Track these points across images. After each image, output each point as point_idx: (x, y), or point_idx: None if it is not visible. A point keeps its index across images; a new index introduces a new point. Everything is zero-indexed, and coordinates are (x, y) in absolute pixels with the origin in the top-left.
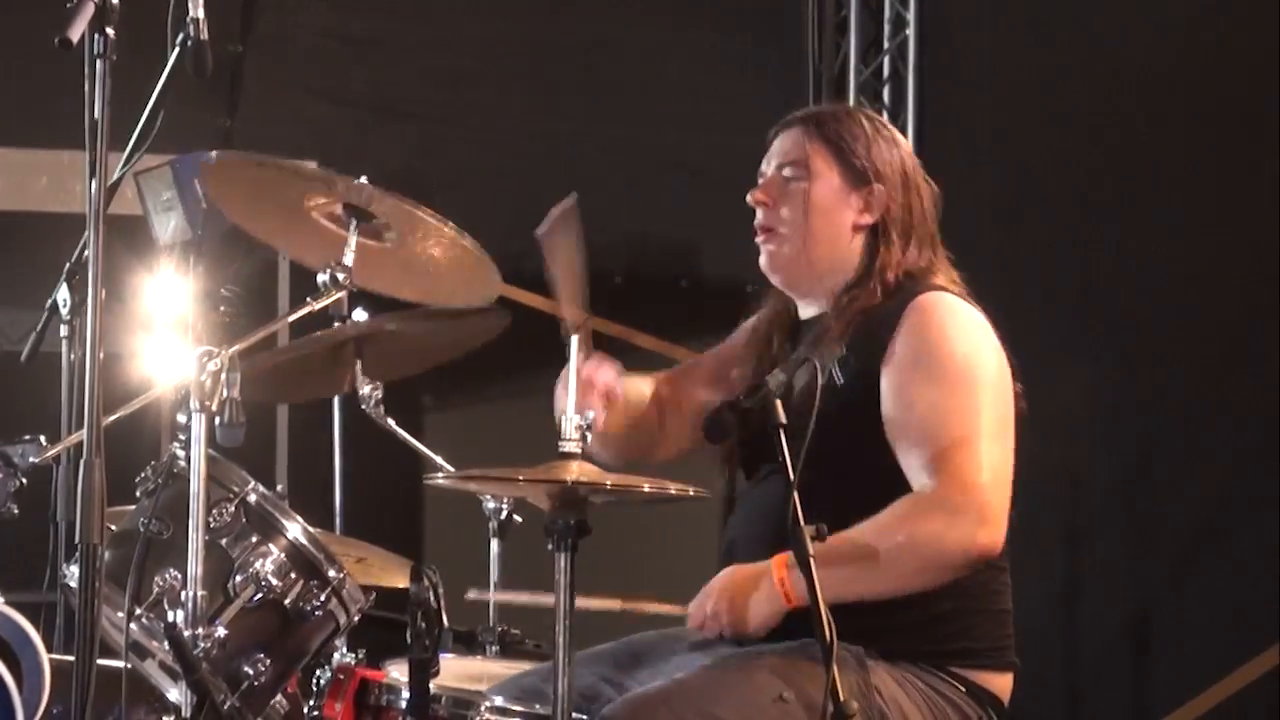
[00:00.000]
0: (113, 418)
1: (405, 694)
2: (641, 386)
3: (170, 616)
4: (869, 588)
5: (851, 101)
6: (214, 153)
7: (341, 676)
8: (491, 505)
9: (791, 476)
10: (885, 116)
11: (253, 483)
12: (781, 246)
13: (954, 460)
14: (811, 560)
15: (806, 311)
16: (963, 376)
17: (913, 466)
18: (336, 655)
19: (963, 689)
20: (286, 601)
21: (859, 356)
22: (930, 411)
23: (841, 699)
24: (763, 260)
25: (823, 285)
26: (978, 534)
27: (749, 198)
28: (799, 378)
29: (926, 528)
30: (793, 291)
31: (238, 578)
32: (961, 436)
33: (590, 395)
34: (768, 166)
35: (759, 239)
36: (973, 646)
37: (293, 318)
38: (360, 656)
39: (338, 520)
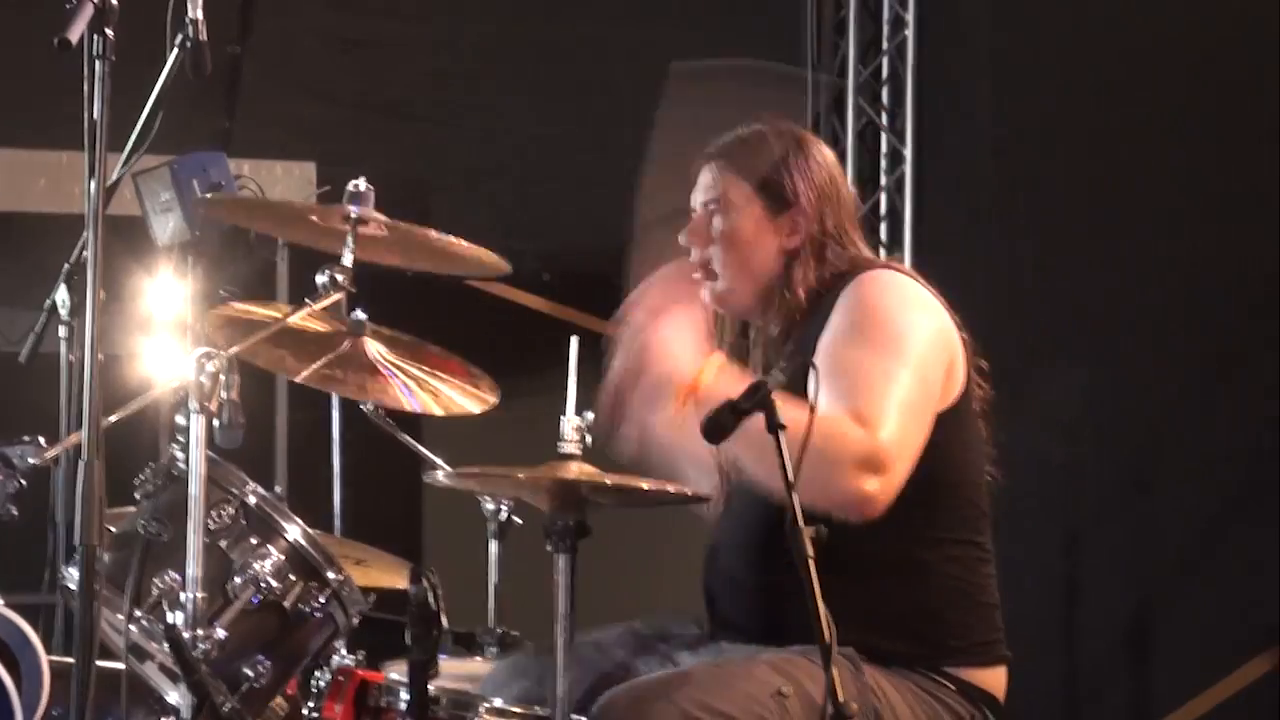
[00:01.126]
0: (112, 419)
1: (405, 695)
2: None
3: (169, 618)
4: (756, 473)
5: (850, 102)
6: (207, 194)
7: (341, 678)
8: (491, 507)
9: (790, 477)
10: (884, 118)
11: (252, 484)
12: (718, 283)
13: (867, 416)
14: (811, 561)
15: (773, 328)
16: (891, 343)
17: (830, 409)
18: (336, 657)
19: (954, 689)
20: (286, 603)
21: (804, 347)
22: (851, 369)
23: (841, 699)
24: (706, 298)
25: (769, 309)
26: (869, 484)
27: (679, 239)
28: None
29: (834, 450)
30: (742, 318)
31: (237, 579)
32: (878, 399)
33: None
34: (694, 201)
35: (697, 276)
36: (962, 645)
37: (292, 319)
38: (359, 658)
39: (337, 522)
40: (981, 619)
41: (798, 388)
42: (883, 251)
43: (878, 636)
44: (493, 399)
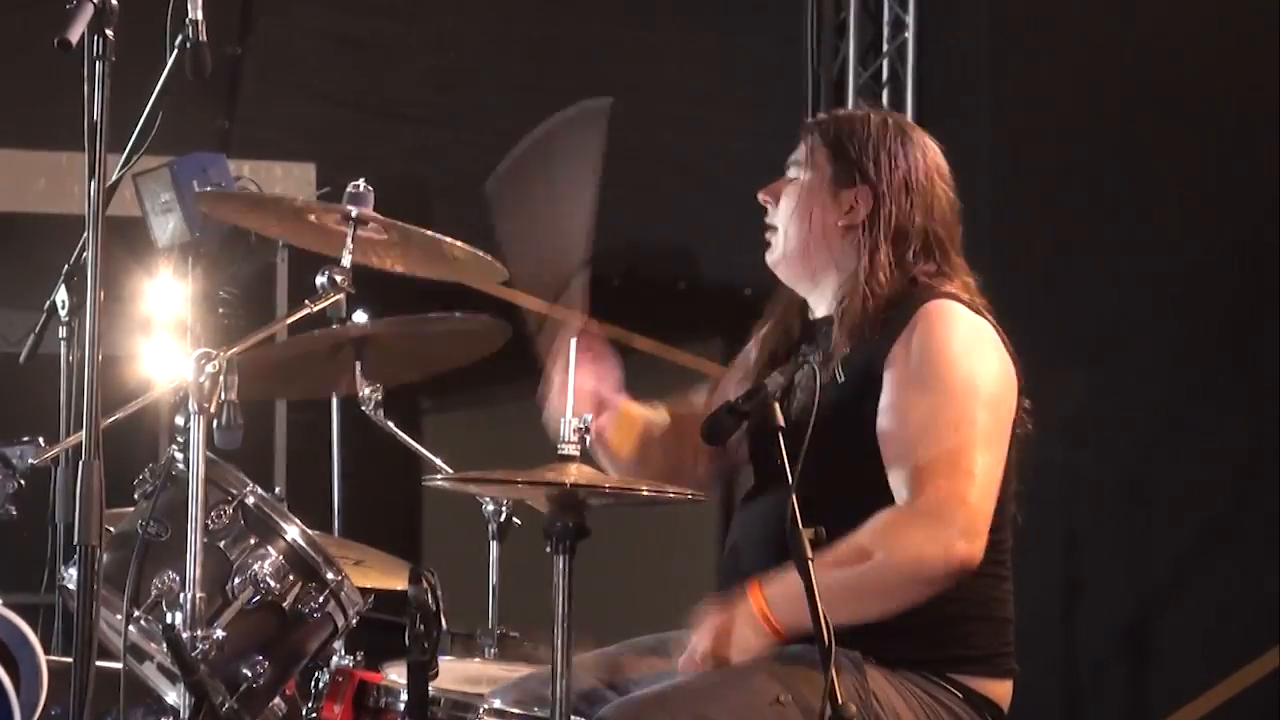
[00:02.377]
0: (111, 419)
1: (404, 696)
2: (659, 412)
3: (168, 618)
4: (853, 612)
5: (850, 104)
6: (207, 188)
7: (340, 678)
8: (490, 508)
9: (791, 480)
10: None
11: (251, 485)
12: (775, 242)
13: (937, 471)
14: (810, 563)
15: (817, 311)
16: (958, 389)
17: (896, 477)
18: (335, 657)
19: (960, 696)
20: (285, 603)
21: (863, 356)
22: (921, 422)
23: (840, 702)
24: (767, 256)
25: (823, 282)
26: (956, 545)
27: (759, 196)
28: (802, 379)
29: (905, 542)
30: (797, 288)
31: (236, 580)
32: (949, 449)
33: (583, 401)
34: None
35: (766, 234)
36: (971, 654)
37: (291, 319)
38: (358, 659)
39: (336, 522)
40: (995, 632)
41: (859, 393)
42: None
43: (889, 640)
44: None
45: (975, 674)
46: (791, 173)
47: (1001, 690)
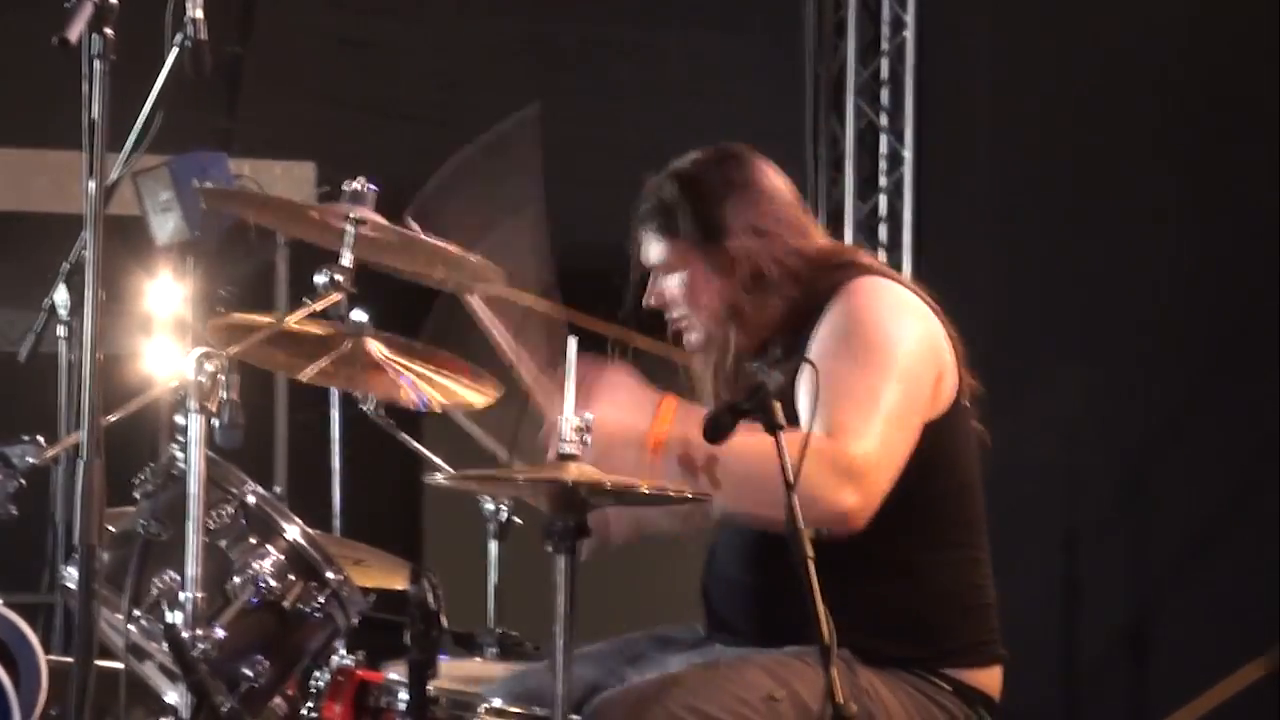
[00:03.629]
0: (111, 419)
1: (404, 696)
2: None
3: (169, 618)
4: (731, 497)
5: (850, 103)
6: (207, 184)
7: (340, 678)
8: (490, 507)
9: (791, 479)
10: (884, 119)
11: (251, 484)
12: (699, 334)
13: (848, 428)
14: (810, 563)
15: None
16: (875, 355)
17: (814, 423)
18: (335, 657)
19: (950, 689)
20: (285, 603)
21: (790, 352)
22: (836, 382)
23: (840, 699)
24: (692, 348)
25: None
26: (845, 494)
27: (645, 304)
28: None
29: (809, 461)
30: (737, 351)
31: (236, 579)
32: (860, 412)
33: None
34: (647, 264)
35: (679, 328)
36: (957, 645)
37: (292, 319)
38: (359, 658)
39: (336, 522)
40: (977, 620)
41: (791, 378)
42: (847, 242)
43: (873, 638)
44: (496, 392)
45: (962, 665)
46: (661, 273)
47: (990, 679)
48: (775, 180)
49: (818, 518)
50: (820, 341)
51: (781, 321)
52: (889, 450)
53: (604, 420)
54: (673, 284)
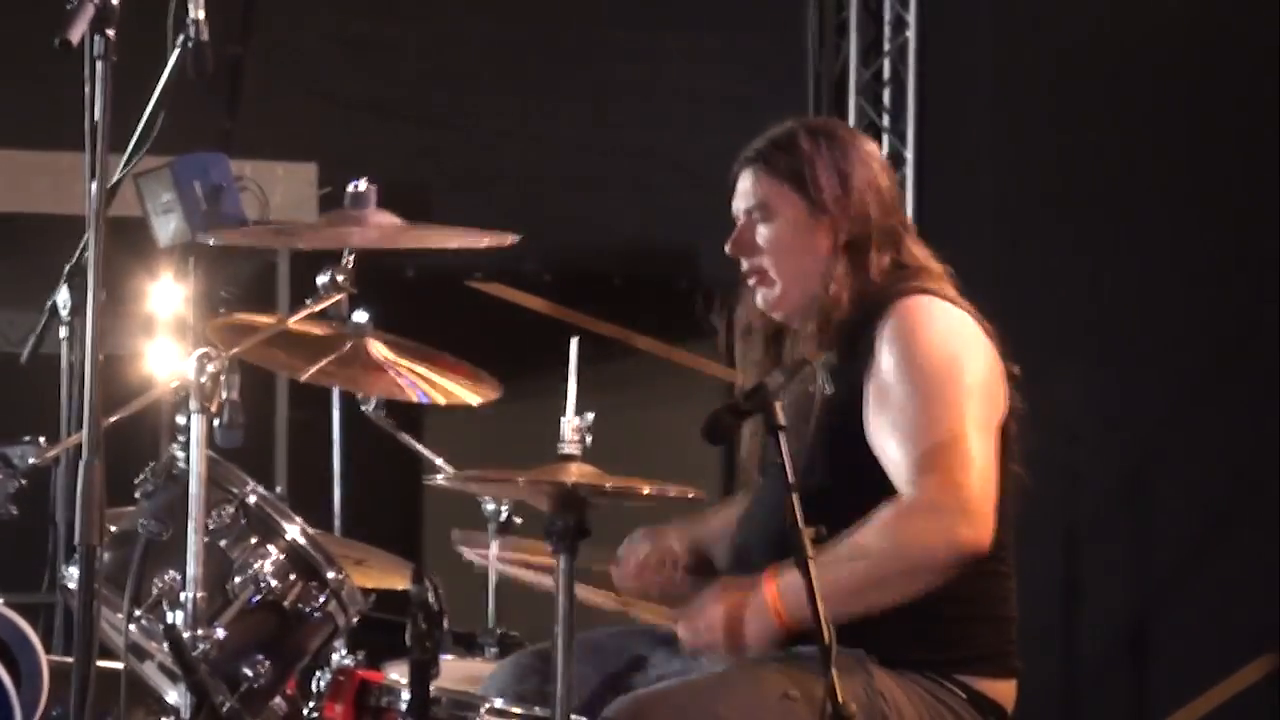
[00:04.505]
0: (112, 419)
1: (405, 696)
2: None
3: (169, 618)
4: (862, 602)
5: (851, 103)
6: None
7: (341, 678)
8: (491, 507)
9: (791, 479)
10: (885, 119)
11: (252, 484)
12: (773, 289)
13: (937, 461)
14: (810, 563)
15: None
16: (943, 378)
17: (896, 472)
18: (336, 657)
19: (964, 696)
20: (286, 603)
21: (849, 366)
22: (912, 416)
23: (840, 700)
24: (760, 302)
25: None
26: (962, 531)
27: (726, 249)
28: (796, 383)
29: (910, 531)
30: (792, 322)
31: (237, 579)
32: (944, 438)
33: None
34: (737, 208)
35: (750, 283)
36: (974, 654)
37: (292, 320)
38: (359, 658)
39: (337, 521)
40: (996, 631)
41: (846, 406)
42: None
43: (891, 640)
44: (495, 393)
45: (979, 674)
46: (755, 216)
47: (1005, 690)
48: (887, 176)
49: (951, 565)
50: (881, 372)
51: (845, 313)
52: (983, 466)
53: (717, 606)
54: (762, 232)
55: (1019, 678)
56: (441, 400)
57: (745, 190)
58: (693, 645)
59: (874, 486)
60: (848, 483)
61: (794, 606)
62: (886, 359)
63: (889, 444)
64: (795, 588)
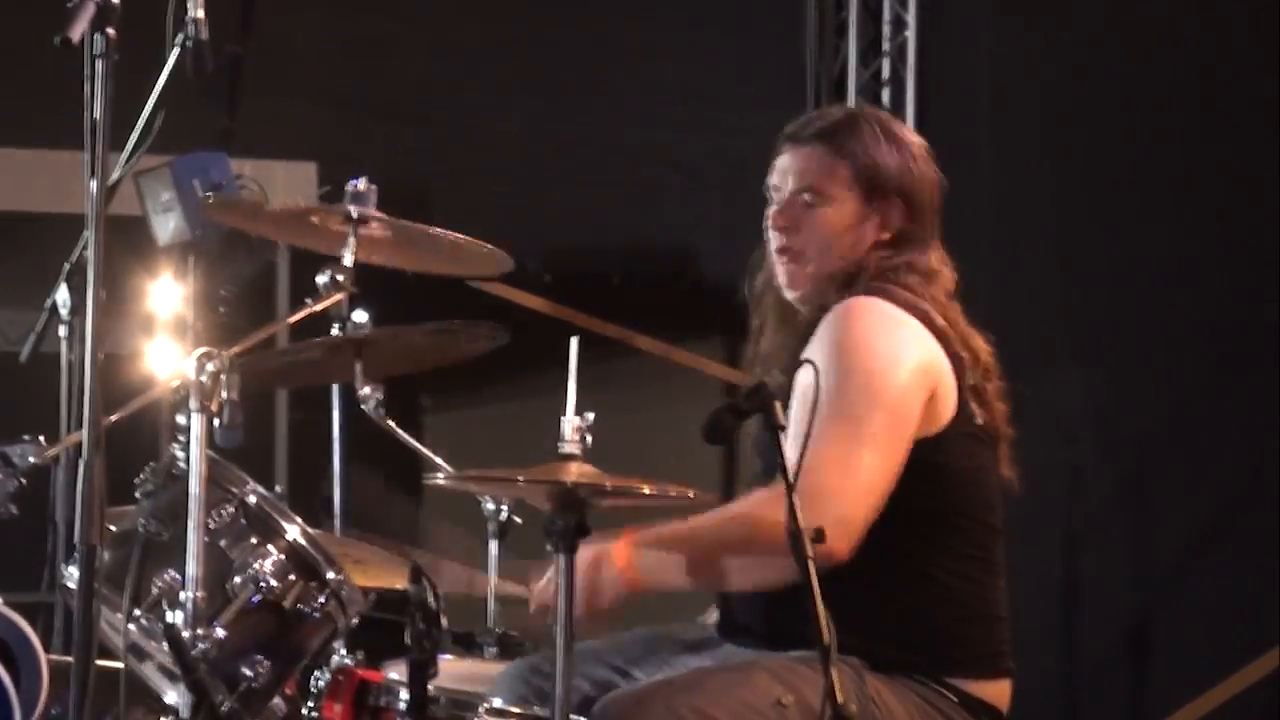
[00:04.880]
0: (112, 418)
1: (404, 695)
2: None
3: (169, 617)
4: (707, 575)
5: (851, 103)
6: (208, 193)
7: (340, 678)
8: (491, 506)
9: (791, 479)
10: None
11: (251, 484)
12: (805, 267)
13: (821, 465)
14: (810, 562)
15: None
16: (853, 386)
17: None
18: (335, 656)
19: (956, 700)
20: (285, 603)
21: (794, 359)
22: (817, 418)
23: (841, 699)
24: (782, 278)
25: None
26: (825, 532)
27: (769, 219)
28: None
29: (774, 517)
30: (805, 303)
31: (236, 579)
32: (835, 446)
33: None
34: (783, 183)
35: (781, 257)
36: (965, 656)
37: (292, 319)
38: (359, 658)
39: (336, 521)
40: (987, 632)
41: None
42: None
43: (881, 645)
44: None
45: (970, 676)
46: (806, 198)
47: (998, 691)
48: (935, 176)
49: (790, 571)
50: (813, 356)
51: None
52: (867, 479)
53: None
54: (815, 214)
55: (1012, 678)
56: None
57: (800, 168)
58: (541, 604)
59: None
60: None
61: (646, 563)
62: (815, 356)
63: (792, 432)
64: (650, 542)
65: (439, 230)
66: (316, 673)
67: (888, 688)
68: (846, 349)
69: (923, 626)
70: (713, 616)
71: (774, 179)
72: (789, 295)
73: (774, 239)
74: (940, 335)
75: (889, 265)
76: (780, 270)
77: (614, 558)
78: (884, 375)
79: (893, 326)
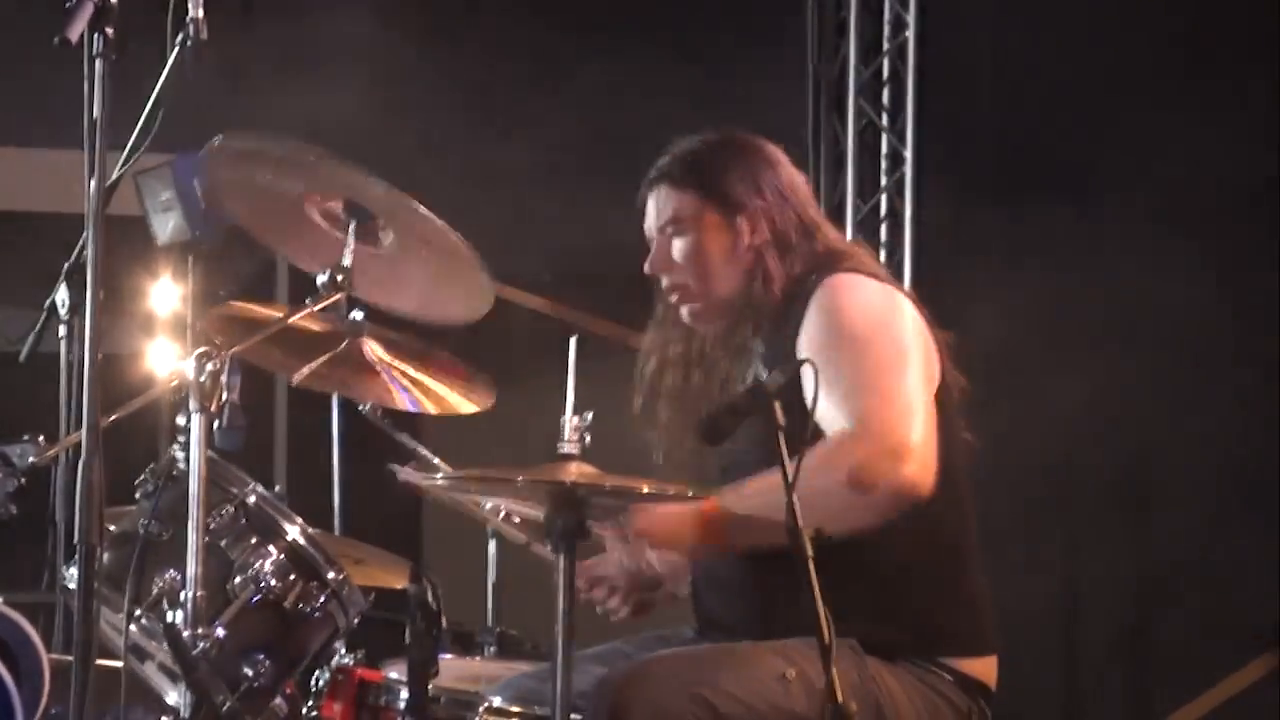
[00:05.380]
0: (111, 418)
1: (404, 694)
2: None
3: (169, 617)
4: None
5: (851, 103)
6: (218, 138)
7: (340, 677)
8: (490, 505)
9: (790, 479)
10: (884, 119)
11: (252, 484)
12: (696, 303)
13: (876, 409)
14: (810, 562)
15: (727, 326)
16: (873, 339)
17: (836, 419)
18: (335, 656)
19: (950, 679)
20: (285, 602)
21: (775, 353)
22: (848, 379)
23: (840, 699)
24: (687, 318)
25: (746, 309)
26: (904, 469)
27: (645, 269)
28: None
29: (853, 459)
30: (727, 327)
31: (237, 579)
32: (883, 392)
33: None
34: (649, 228)
35: (673, 299)
36: (954, 634)
37: (292, 319)
38: (359, 657)
39: (336, 521)
40: (971, 610)
41: (791, 390)
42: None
43: (874, 628)
44: (489, 400)
45: (960, 655)
46: (669, 231)
47: (986, 669)
48: (797, 175)
49: (892, 501)
50: (811, 341)
51: (770, 310)
52: (925, 413)
53: (652, 516)
54: (678, 246)
55: (999, 655)
56: (433, 409)
57: (654, 210)
58: (639, 530)
59: None
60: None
61: (730, 523)
62: (815, 333)
63: (824, 404)
64: (736, 502)
65: (430, 213)
66: (317, 672)
67: (886, 669)
68: (847, 315)
69: (911, 610)
70: None
71: (646, 226)
72: (699, 327)
73: (663, 284)
74: (911, 298)
75: (824, 252)
76: (683, 312)
77: (699, 520)
78: (893, 327)
79: (878, 292)
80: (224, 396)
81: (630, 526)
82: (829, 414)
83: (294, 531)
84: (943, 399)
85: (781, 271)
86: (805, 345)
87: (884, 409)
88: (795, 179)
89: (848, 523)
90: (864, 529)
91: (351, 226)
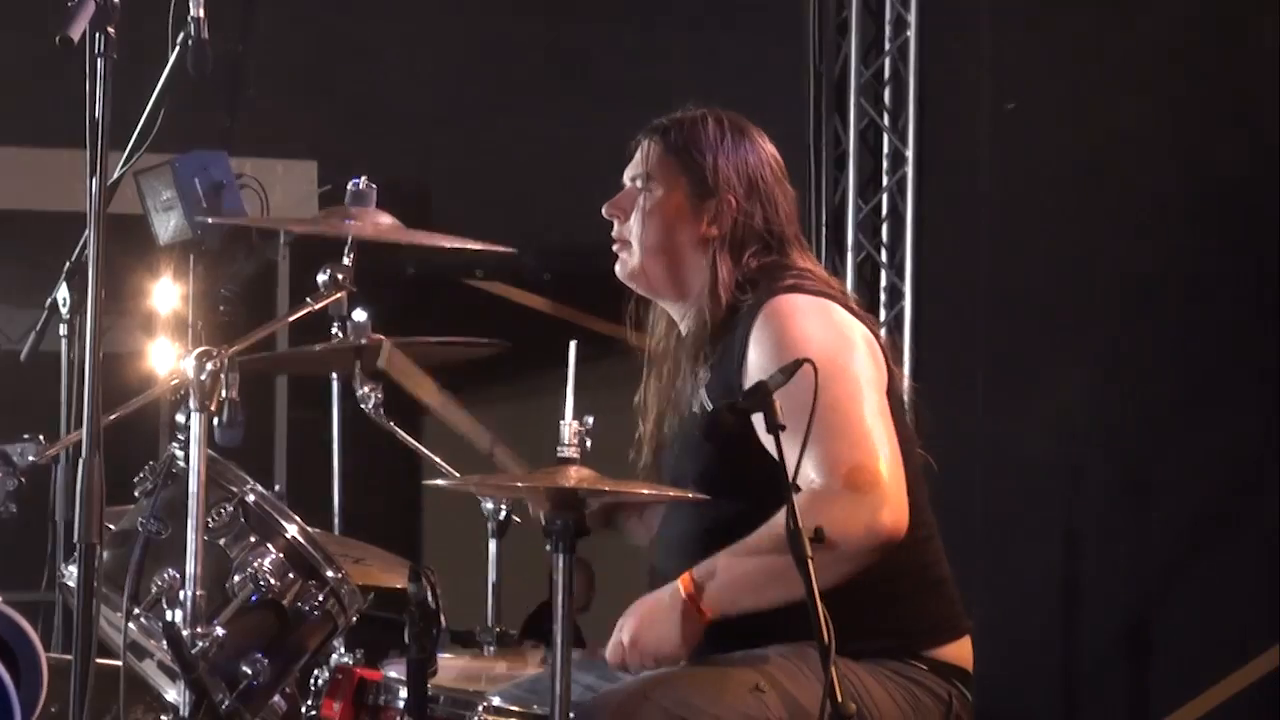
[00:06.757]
0: (112, 417)
1: (403, 694)
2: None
3: (169, 616)
4: (778, 594)
5: (851, 103)
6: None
7: (339, 676)
8: (490, 506)
9: (791, 478)
10: (885, 119)
11: (251, 483)
12: (630, 257)
13: (844, 452)
14: (810, 562)
15: (684, 326)
16: (827, 369)
17: (804, 469)
18: (334, 655)
19: (926, 668)
20: (285, 601)
21: (721, 376)
22: (801, 416)
23: (840, 699)
24: (617, 269)
25: (683, 297)
26: (881, 516)
27: (603, 209)
28: (691, 401)
29: (828, 517)
30: (657, 300)
31: (236, 577)
32: (841, 430)
33: None
34: (626, 175)
35: (614, 248)
36: (926, 624)
37: (292, 318)
38: (358, 656)
39: (336, 520)
40: (938, 596)
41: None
42: (819, 252)
43: (846, 630)
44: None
45: (933, 644)
46: (638, 184)
47: (961, 652)
48: (788, 192)
49: (871, 550)
50: (763, 371)
51: (713, 317)
52: (888, 449)
53: (638, 614)
54: (641, 200)
55: (972, 635)
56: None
57: (637, 159)
58: (619, 661)
59: (758, 485)
60: (729, 484)
61: (712, 594)
62: (762, 361)
63: (788, 445)
64: (709, 576)
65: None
66: (316, 671)
67: (862, 667)
68: (791, 345)
69: (879, 605)
70: None
71: (626, 172)
72: (632, 285)
73: (613, 231)
74: (855, 312)
75: (772, 266)
76: (617, 265)
77: (678, 598)
78: (848, 353)
79: (822, 312)
80: (224, 394)
81: (622, 633)
82: (790, 452)
83: (293, 530)
84: (891, 402)
85: (727, 272)
86: (753, 379)
87: (851, 453)
88: (784, 196)
89: (829, 580)
90: (847, 578)
91: (350, 238)
